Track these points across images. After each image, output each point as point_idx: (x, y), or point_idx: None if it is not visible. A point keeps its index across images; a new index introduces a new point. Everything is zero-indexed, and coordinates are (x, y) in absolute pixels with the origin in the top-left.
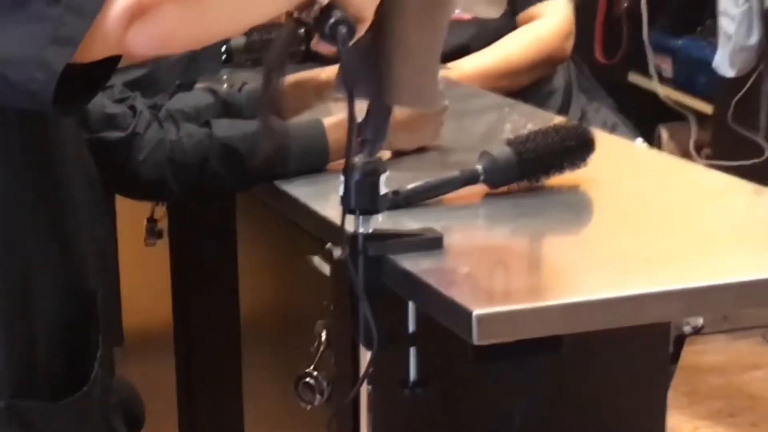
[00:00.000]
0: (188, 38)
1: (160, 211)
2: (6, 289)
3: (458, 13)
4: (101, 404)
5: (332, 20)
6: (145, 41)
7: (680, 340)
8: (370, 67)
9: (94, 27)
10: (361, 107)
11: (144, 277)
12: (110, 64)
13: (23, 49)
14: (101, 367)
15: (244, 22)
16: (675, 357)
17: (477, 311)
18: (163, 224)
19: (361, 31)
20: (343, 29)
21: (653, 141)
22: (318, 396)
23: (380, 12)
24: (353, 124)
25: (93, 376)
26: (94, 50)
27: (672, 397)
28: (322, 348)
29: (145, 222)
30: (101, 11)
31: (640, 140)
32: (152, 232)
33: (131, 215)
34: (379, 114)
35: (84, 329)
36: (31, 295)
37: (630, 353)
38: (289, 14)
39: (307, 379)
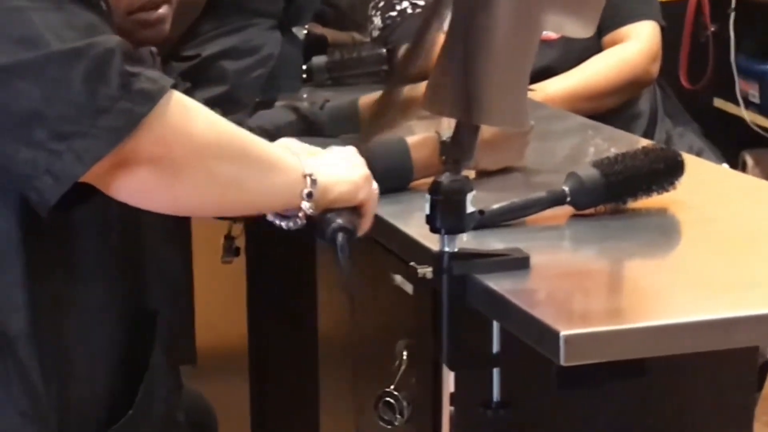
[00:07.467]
0: (161, 203)
1: (237, 229)
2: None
3: (547, 32)
4: (165, 421)
5: (331, 227)
6: (120, 189)
7: (764, 368)
8: (460, 84)
9: None
10: (448, 125)
11: (220, 295)
12: None
13: (22, 167)
14: (164, 385)
15: (212, 212)
16: (759, 384)
17: (564, 332)
18: (240, 242)
19: (369, 216)
20: (341, 236)
21: (738, 167)
22: (398, 416)
23: (472, 29)
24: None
25: (138, 400)
26: None
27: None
28: (403, 367)
29: (222, 240)
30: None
31: (725, 166)
32: (229, 249)
33: (208, 233)
34: (467, 132)
35: (146, 350)
36: (92, 316)
37: (716, 379)
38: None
39: (388, 399)
